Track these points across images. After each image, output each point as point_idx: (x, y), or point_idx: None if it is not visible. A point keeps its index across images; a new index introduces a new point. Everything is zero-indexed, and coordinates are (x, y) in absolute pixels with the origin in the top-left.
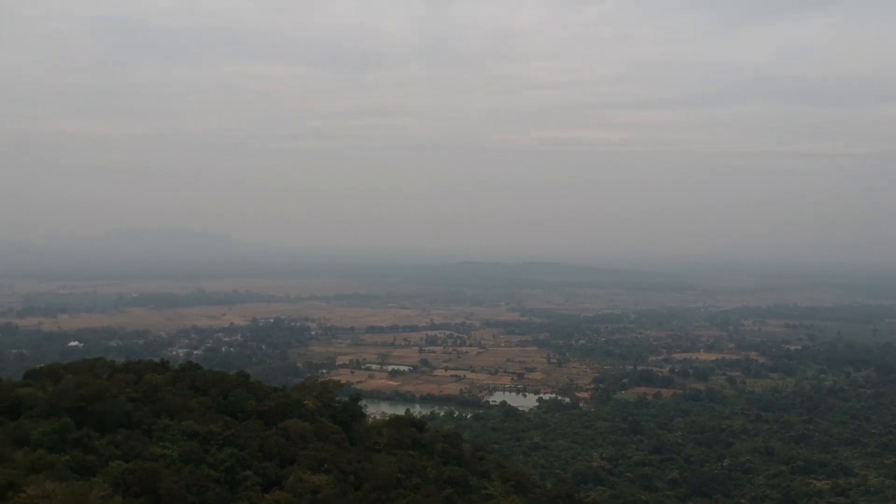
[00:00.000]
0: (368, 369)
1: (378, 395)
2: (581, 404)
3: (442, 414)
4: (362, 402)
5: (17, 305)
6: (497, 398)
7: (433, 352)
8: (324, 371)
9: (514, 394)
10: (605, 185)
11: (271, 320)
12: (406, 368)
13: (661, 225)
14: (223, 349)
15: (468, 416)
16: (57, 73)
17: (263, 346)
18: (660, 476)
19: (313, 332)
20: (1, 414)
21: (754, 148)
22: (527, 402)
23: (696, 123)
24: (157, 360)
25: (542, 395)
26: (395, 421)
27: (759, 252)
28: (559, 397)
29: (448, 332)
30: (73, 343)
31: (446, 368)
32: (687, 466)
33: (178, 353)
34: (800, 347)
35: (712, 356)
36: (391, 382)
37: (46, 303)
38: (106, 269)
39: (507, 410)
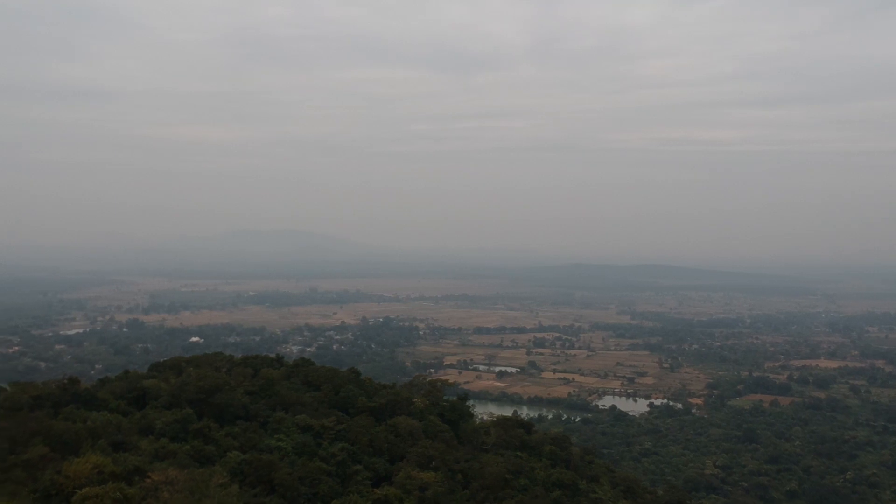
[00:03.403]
0: (476, 370)
1: (485, 396)
2: (694, 410)
3: (550, 416)
4: (470, 402)
5: (142, 303)
6: (606, 402)
7: (541, 354)
8: (432, 371)
9: (623, 398)
10: (721, 185)
11: (381, 320)
12: (513, 370)
13: (782, 226)
14: (334, 347)
15: (577, 420)
16: (179, 81)
17: (373, 345)
18: (776, 487)
19: (421, 332)
20: (128, 404)
21: (883, 146)
22: (637, 407)
23: (818, 121)
24: (272, 355)
25: (653, 400)
26: (502, 421)
27: (886, 255)
28: (671, 403)
29: (556, 335)
30: (194, 338)
31: (554, 371)
32: (806, 478)
33: (292, 350)
34: None
35: (834, 364)
36: (498, 383)
37: (169, 300)
38: (224, 268)
39: (617, 415)
